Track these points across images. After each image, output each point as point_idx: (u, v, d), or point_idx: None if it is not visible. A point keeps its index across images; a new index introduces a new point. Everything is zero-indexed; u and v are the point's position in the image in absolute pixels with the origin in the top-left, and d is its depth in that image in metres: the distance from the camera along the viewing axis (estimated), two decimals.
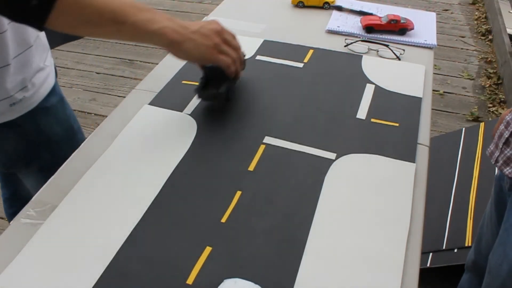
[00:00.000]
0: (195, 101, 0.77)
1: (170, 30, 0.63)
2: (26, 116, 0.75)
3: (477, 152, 1.53)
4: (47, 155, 0.82)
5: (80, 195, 0.60)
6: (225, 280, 0.50)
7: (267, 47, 0.93)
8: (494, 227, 0.89)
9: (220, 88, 0.71)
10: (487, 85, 2.28)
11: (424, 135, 0.71)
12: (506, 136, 0.72)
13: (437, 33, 1.01)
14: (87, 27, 0.61)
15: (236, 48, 0.72)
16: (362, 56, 0.91)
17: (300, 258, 0.52)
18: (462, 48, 2.63)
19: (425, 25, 1.03)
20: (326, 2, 1.10)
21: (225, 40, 0.69)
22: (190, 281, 0.49)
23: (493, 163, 0.77)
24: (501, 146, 0.74)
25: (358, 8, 1.09)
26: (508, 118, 0.74)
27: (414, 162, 0.65)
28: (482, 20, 2.93)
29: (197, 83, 0.83)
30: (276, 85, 0.82)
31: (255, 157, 0.66)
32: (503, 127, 0.74)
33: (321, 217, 0.57)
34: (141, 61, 2.53)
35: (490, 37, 2.71)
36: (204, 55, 0.67)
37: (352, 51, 0.93)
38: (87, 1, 0.58)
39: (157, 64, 0.89)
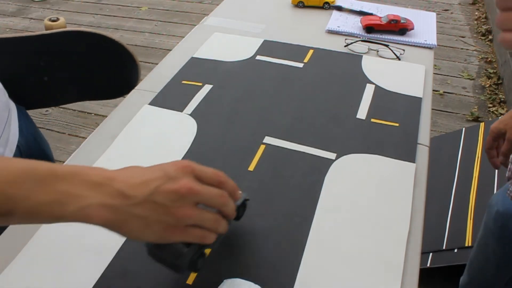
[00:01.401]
0: (195, 101, 0.77)
1: (97, 209, 0.39)
2: None
3: (477, 152, 1.53)
4: None
5: None
6: (225, 280, 0.49)
7: (267, 47, 0.93)
8: (500, 261, 0.88)
9: (181, 256, 0.44)
10: (487, 85, 2.28)
11: (424, 135, 0.71)
12: None
13: (437, 33, 1.01)
14: None
15: (224, 207, 0.45)
16: (362, 56, 0.91)
17: (300, 258, 0.52)
18: (462, 48, 2.63)
19: (425, 25, 1.03)
20: (326, 2, 1.10)
21: (200, 200, 0.42)
22: (190, 281, 0.49)
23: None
24: None
25: (358, 8, 1.09)
26: None
27: (414, 162, 0.65)
28: (482, 20, 2.93)
29: (198, 84, 0.83)
30: (276, 85, 0.82)
31: (255, 157, 0.66)
32: None
33: (321, 217, 0.57)
34: (141, 61, 2.52)
35: (490, 37, 2.71)
36: (160, 237, 0.41)
37: (352, 51, 0.93)
38: None
39: (157, 64, 0.90)
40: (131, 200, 0.39)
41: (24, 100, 0.78)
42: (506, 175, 0.83)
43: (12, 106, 0.74)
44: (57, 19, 0.79)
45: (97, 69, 0.81)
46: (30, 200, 0.37)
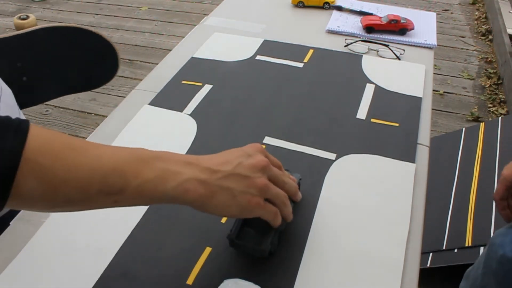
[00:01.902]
0: (195, 101, 0.77)
1: (193, 183, 0.43)
2: None
3: (477, 152, 1.53)
4: None
5: None
6: (225, 281, 0.49)
7: (267, 47, 0.93)
8: None
9: (263, 242, 0.50)
10: (487, 85, 2.28)
11: (424, 135, 0.71)
12: None
13: (437, 33, 1.01)
14: (65, 205, 0.40)
15: (286, 185, 0.50)
16: (362, 56, 0.91)
17: (300, 258, 0.52)
18: (462, 48, 2.63)
19: (425, 25, 1.03)
20: (326, 2, 1.10)
21: (272, 177, 0.48)
22: (190, 281, 0.49)
23: None
24: None
25: (358, 8, 1.09)
26: None
27: (414, 162, 0.65)
28: (482, 20, 2.93)
29: (198, 84, 0.83)
30: (276, 85, 0.82)
31: None
32: None
33: (321, 217, 0.57)
34: (141, 61, 2.53)
35: (490, 37, 2.71)
36: (244, 209, 0.45)
37: (352, 51, 0.93)
38: (61, 169, 0.38)
39: (157, 64, 0.90)
40: (219, 174, 0.44)
41: None
42: None
43: (19, 111, 0.72)
44: (27, 17, 0.79)
45: (75, 61, 0.80)
46: (139, 178, 0.41)
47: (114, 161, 0.41)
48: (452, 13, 3.05)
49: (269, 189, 0.46)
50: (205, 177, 0.43)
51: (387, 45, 0.92)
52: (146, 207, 0.58)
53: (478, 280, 0.88)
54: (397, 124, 0.73)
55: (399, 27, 0.98)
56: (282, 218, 0.50)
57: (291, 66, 0.87)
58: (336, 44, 0.95)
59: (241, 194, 0.44)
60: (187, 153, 0.66)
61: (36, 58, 0.78)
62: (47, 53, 0.77)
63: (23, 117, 0.73)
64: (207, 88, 0.81)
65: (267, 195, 0.46)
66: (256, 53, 0.91)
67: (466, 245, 1.24)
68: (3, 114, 0.59)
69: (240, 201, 0.45)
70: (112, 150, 0.42)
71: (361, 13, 1.08)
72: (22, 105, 0.83)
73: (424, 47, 0.96)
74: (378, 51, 0.92)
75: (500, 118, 1.61)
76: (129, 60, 2.53)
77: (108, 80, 0.84)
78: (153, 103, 0.77)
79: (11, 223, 0.57)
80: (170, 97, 0.78)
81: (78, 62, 0.80)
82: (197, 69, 0.86)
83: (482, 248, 1.19)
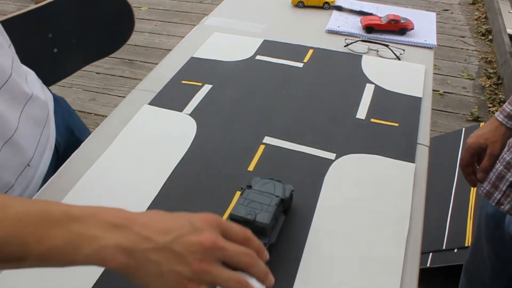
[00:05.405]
0: (194, 101, 0.77)
1: (112, 251, 0.36)
2: None
3: None
4: None
5: (80, 195, 0.60)
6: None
7: (267, 47, 0.93)
8: (496, 262, 0.86)
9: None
10: (487, 85, 2.28)
11: (424, 135, 0.71)
12: (511, 179, 0.70)
13: (437, 33, 1.01)
14: None
15: (254, 268, 0.40)
16: (362, 56, 0.91)
17: (299, 257, 0.52)
18: (462, 48, 2.63)
19: (425, 25, 1.03)
20: (326, 2, 1.10)
21: (224, 257, 0.39)
22: None
23: (493, 204, 0.75)
24: (504, 189, 0.72)
25: (358, 8, 1.09)
26: (508, 158, 0.72)
27: (413, 162, 0.65)
28: (482, 20, 2.93)
29: (198, 84, 0.83)
30: (276, 85, 0.82)
31: (254, 157, 0.66)
32: (501, 167, 0.72)
33: (320, 216, 0.57)
34: (141, 61, 2.52)
35: (490, 37, 2.71)
36: None
37: (352, 51, 0.93)
38: None
39: (157, 64, 0.90)
40: (149, 245, 0.37)
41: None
42: (483, 189, 0.79)
43: (50, 102, 0.72)
44: None
45: (98, 25, 0.84)
46: (42, 244, 0.35)
47: (15, 224, 0.35)
48: (452, 13, 3.05)
49: (210, 274, 0.37)
50: (131, 245, 0.36)
51: (387, 45, 0.92)
52: (148, 203, 0.58)
53: (477, 244, 0.90)
54: (396, 124, 0.73)
55: (399, 27, 0.98)
56: (273, 233, 0.51)
57: (291, 66, 0.87)
58: (336, 44, 0.95)
59: (170, 273, 0.37)
60: (187, 152, 0.67)
61: (63, 27, 0.80)
62: (72, 20, 0.81)
63: (52, 114, 0.71)
64: (206, 88, 0.81)
65: (207, 280, 0.37)
66: (256, 53, 0.91)
67: (466, 245, 1.24)
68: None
69: (167, 280, 0.37)
70: (18, 210, 0.36)
71: (361, 13, 1.08)
72: (53, 80, 0.84)
73: (424, 47, 0.96)
74: (378, 51, 0.92)
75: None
76: (129, 60, 2.53)
77: (125, 40, 0.88)
78: (153, 103, 0.77)
79: None
80: (170, 97, 0.78)
81: (97, 25, 0.84)
82: (197, 69, 0.86)
83: None
